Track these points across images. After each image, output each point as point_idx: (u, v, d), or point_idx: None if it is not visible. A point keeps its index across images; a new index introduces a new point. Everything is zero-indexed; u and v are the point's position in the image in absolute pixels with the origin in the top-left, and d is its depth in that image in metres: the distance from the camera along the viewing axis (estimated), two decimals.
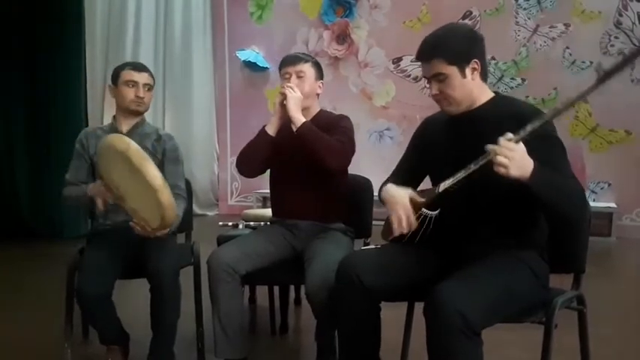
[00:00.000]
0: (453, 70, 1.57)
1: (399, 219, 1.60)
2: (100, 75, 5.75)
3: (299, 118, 2.01)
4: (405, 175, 1.80)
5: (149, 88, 2.21)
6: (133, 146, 1.80)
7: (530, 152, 1.42)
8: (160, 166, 2.16)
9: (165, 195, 1.77)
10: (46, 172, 4.55)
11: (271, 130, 2.09)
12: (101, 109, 5.74)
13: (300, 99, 2.04)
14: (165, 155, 2.22)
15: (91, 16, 5.39)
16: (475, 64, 1.59)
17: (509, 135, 1.41)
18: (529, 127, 1.42)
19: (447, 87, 1.58)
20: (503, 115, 1.56)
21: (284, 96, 2.04)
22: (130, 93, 2.17)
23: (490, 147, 1.40)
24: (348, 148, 2.04)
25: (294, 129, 2.00)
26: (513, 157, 1.38)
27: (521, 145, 1.40)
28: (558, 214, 1.54)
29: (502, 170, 1.39)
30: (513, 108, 1.61)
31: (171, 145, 2.25)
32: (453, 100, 1.61)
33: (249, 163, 2.14)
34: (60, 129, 4.47)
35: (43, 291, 3.16)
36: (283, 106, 2.05)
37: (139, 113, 2.24)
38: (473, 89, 1.60)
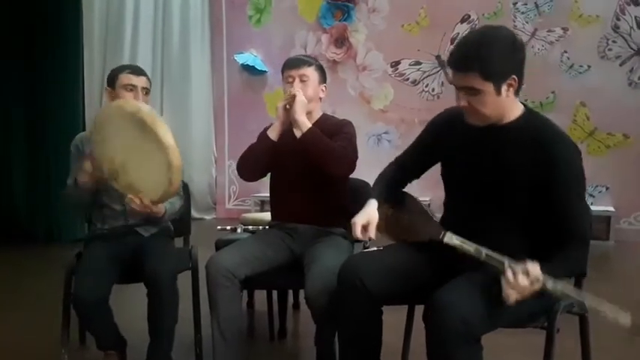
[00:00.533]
0: (488, 87, 1.45)
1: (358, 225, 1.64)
2: (97, 78, 5.74)
3: (305, 123, 1.99)
4: (414, 159, 1.80)
5: (147, 92, 2.19)
6: (144, 107, 1.79)
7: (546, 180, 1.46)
8: None
9: (176, 155, 1.77)
10: (43, 176, 4.53)
11: (273, 135, 2.07)
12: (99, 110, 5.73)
13: (306, 103, 2.03)
14: None
15: (88, 18, 5.38)
16: (513, 80, 1.47)
17: (535, 271, 1.36)
18: (558, 287, 1.38)
19: (478, 102, 1.48)
20: (528, 138, 1.52)
21: (290, 99, 2.02)
22: (128, 97, 2.14)
23: (507, 273, 1.37)
24: (351, 155, 2.03)
25: (299, 134, 1.99)
26: (523, 293, 1.36)
27: (526, 274, 1.36)
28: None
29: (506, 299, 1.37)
30: (539, 133, 1.54)
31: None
32: (481, 115, 1.51)
33: (250, 168, 2.12)
34: (58, 132, 4.45)
35: (40, 295, 3.14)
36: (286, 110, 2.04)
37: None
38: (505, 106, 1.51)
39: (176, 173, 1.78)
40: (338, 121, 2.18)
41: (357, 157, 2.06)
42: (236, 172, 2.20)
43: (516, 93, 1.54)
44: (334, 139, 2.03)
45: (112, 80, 2.18)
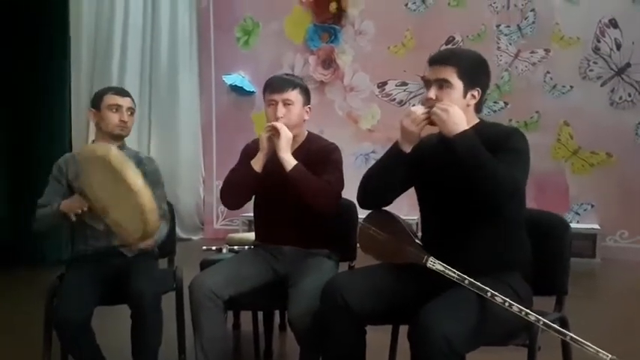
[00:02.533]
0: (458, 84, 1.62)
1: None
2: (84, 100, 5.71)
3: (289, 161, 1.95)
4: None
5: (132, 112, 2.21)
6: (113, 150, 1.81)
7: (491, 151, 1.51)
8: None
9: (147, 197, 1.77)
10: (27, 196, 4.47)
11: (257, 167, 2.02)
12: (86, 133, 5.70)
13: (290, 139, 1.98)
14: (147, 178, 2.19)
15: (76, 40, 5.39)
16: (477, 92, 1.66)
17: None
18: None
19: (445, 95, 1.62)
20: (484, 139, 1.58)
21: (273, 132, 1.99)
22: (114, 117, 2.16)
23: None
24: (338, 189, 2.03)
25: (286, 169, 1.96)
26: (452, 112, 1.53)
27: (457, 108, 1.56)
28: (478, 186, 1.52)
29: (436, 120, 1.54)
30: (491, 131, 1.65)
31: (152, 168, 2.25)
32: None
33: (233, 197, 2.09)
34: (43, 153, 4.41)
35: (22, 318, 3.09)
36: (270, 140, 2.00)
37: (122, 137, 2.23)
38: (465, 112, 1.61)
39: (149, 214, 1.78)
40: (324, 144, 2.14)
41: (342, 188, 2.05)
42: None
43: (477, 108, 1.68)
44: (321, 168, 2.01)
45: (96, 102, 2.19)
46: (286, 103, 2.03)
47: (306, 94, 2.11)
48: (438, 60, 1.66)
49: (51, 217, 2.09)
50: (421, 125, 1.64)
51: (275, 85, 2.07)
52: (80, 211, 2.01)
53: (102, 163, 1.80)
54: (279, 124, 1.98)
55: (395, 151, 1.70)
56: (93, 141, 2.29)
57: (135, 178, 1.77)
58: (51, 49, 4.58)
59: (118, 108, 2.16)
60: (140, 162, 2.22)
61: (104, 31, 5.86)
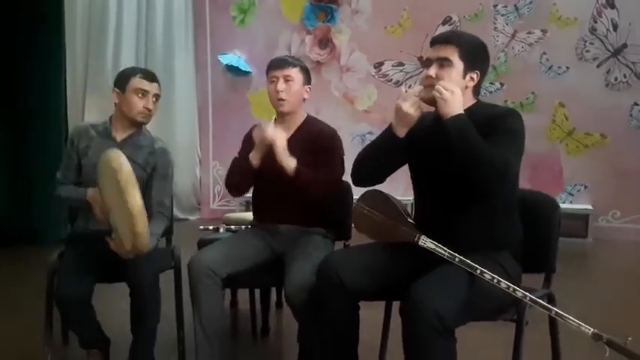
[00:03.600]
0: (459, 65, 1.65)
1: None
2: (80, 79, 5.71)
3: (289, 166, 2.00)
4: None
5: (157, 99, 2.13)
6: (125, 168, 1.78)
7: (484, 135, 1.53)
8: (149, 180, 2.14)
9: (141, 224, 1.78)
10: (25, 177, 4.50)
11: (255, 162, 2.07)
12: (81, 114, 5.69)
13: (285, 147, 2.00)
14: (156, 170, 2.16)
15: (71, 19, 5.34)
16: (476, 74, 1.68)
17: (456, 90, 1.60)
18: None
19: (445, 74, 1.64)
20: (481, 118, 1.61)
21: (261, 133, 2.03)
22: (139, 103, 2.08)
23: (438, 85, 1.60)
24: (339, 177, 2.09)
25: (288, 174, 2.01)
26: (456, 93, 1.56)
27: (460, 91, 1.59)
28: (469, 169, 1.54)
29: (438, 98, 1.56)
30: (488, 112, 1.67)
31: (164, 161, 2.18)
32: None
33: (235, 188, 2.19)
34: (39, 134, 4.42)
35: (23, 296, 3.13)
36: (265, 142, 2.03)
37: (142, 125, 2.17)
38: (462, 93, 1.63)
39: (140, 238, 1.80)
40: (322, 128, 2.17)
41: (344, 173, 2.10)
42: (221, 172, 2.25)
43: (475, 91, 1.70)
44: (323, 158, 2.05)
45: (122, 83, 2.10)
46: (287, 80, 2.10)
47: (306, 73, 2.18)
48: (440, 40, 1.69)
49: (75, 200, 2.11)
50: (417, 106, 1.65)
51: (276, 64, 2.14)
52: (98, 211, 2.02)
53: (112, 173, 1.81)
54: (269, 135, 2.00)
55: (389, 135, 1.72)
56: (110, 119, 2.18)
57: (135, 202, 1.77)
58: (45, 28, 4.55)
59: (144, 93, 2.07)
60: (153, 152, 2.18)
61: (98, 10, 5.81)
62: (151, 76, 2.14)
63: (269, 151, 2.04)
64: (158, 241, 2.11)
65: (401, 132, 1.70)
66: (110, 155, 1.85)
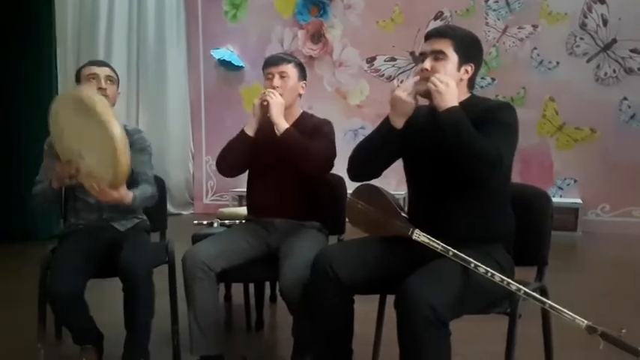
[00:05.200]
0: (454, 57, 1.66)
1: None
2: (71, 76, 5.65)
3: (282, 124, 2.03)
4: None
5: (111, 81, 2.17)
6: (84, 88, 1.82)
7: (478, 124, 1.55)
8: None
9: (123, 147, 1.77)
10: (16, 174, 4.47)
11: (250, 131, 2.11)
12: None
13: (283, 104, 2.06)
14: (133, 146, 2.14)
15: (61, 15, 5.30)
16: (470, 67, 1.70)
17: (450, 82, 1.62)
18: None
19: (441, 67, 1.65)
20: (477, 110, 1.63)
21: (265, 98, 2.06)
22: (92, 87, 2.12)
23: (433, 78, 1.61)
24: (329, 154, 2.08)
25: (278, 134, 2.03)
26: (451, 86, 1.57)
27: (455, 84, 1.60)
28: (461, 162, 1.55)
29: (433, 90, 1.57)
30: (481, 105, 1.69)
31: (138, 137, 2.23)
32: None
33: (229, 164, 2.16)
34: (31, 131, 4.39)
35: (16, 293, 3.12)
36: (263, 107, 2.08)
37: None
38: (457, 86, 1.64)
39: (120, 152, 1.77)
40: (317, 120, 2.21)
41: (334, 156, 2.10)
42: (214, 167, 2.23)
43: (469, 84, 1.72)
44: (313, 138, 2.07)
45: (77, 76, 2.19)
46: (282, 76, 2.14)
47: (301, 69, 2.21)
48: (435, 33, 1.70)
49: (46, 190, 2.09)
50: (414, 94, 1.66)
51: (272, 60, 2.18)
52: (69, 177, 1.96)
53: (72, 104, 1.79)
54: (269, 91, 2.07)
55: (386, 127, 1.72)
56: None
57: (105, 109, 1.77)
58: (36, 25, 4.51)
59: (94, 76, 2.13)
60: (127, 133, 2.21)
61: (89, 6, 5.77)
62: (98, 62, 2.24)
63: (265, 132, 2.05)
64: (146, 202, 2.14)
65: (399, 122, 1.70)
66: (72, 90, 1.84)
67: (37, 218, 4.43)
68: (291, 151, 2.02)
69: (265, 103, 2.06)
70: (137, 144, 2.21)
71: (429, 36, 1.71)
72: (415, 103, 1.68)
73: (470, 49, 1.70)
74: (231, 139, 2.18)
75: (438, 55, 1.66)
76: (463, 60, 1.67)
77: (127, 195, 1.98)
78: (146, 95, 5.96)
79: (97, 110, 1.77)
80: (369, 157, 1.78)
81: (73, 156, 1.91)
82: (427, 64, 1.67)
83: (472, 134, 1.54)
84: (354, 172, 1.82)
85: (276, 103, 2.05)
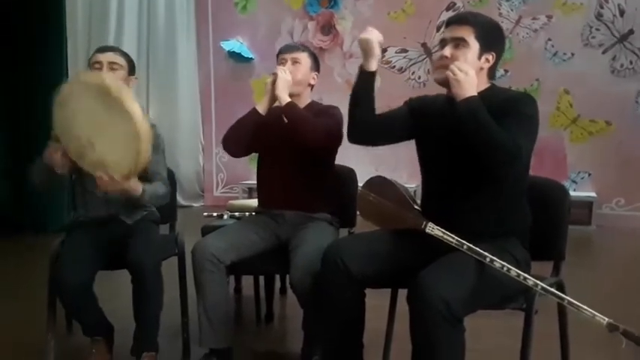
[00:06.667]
0: (475, 45, 1.62)
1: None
2: (82, 68, 5.67)
3: (284, 98, 2.04)
4: (392, 115, 1.84)
5: (115, 67, 2.12)
6: (108, 76, 1.79)
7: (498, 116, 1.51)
8: None
9: (144, 124, 1.75)
10: (27, 165, 4.48)
11: (261, 109, 2.11)
12: None
13: (290, 82, 2.07)
14: None
15: (72, 6, 5.29)
16: (491, 56, 1.65)
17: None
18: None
19: (461, 55, 1.62)
20: (497, 101, 1.59)
21: (276, 76, 2.07)
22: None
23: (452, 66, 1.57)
24: (333, 130, 2.05)
25: (281, 104, 2.04)
26: (471, 75, 1.54)
27: (474, 73, 1.56)
28: (478, 153, 1.53)
29: (451, 78, 1.53)
30: (501, 96, 1.64)
31: (153, 134, 2.19)
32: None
33: (235, 141, 2.15)
34: (42, 123, 4.38)
35: (26, 284, 3.14)
36: (274, 85, 2.08)
37: None
38: (477, 75, 1.60)
39: (144, 142, 1.75)
40: (325, 105, 2.22)
41: (340, 135, 2.06)
42: (224, 159, 2.22)
43: (490, 74, 1.68)
44: (319, 117, 2.07)
45: (88, 65, 2.17)
46: (295, 62, 2.15)
47: (315, 60, 2.22)
48: (456, 20, 1.67)
49: (38, 169, 2.07)
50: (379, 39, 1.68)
51: (286, 48, 2.21)
52: (60, 157, 1.95)
53: (93, 92, 1.76)
54: (280, 68, 2.09)
55: (362, 74, 1.73)
56: None
57: (132, 102, 1.74)
58: (47, 15, 4.51)
59: (99, 64, 2.10)
60: None
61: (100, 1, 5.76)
62: (102, 48, 2.20)
63: (275, 119, 2.06)
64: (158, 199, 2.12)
65: (372, 64, 1.71)
66: (81, 76, 1.83)
67: (46, 209, 4.45)
68: (293, 124, 2.02)
69: (276, 80, 2.06)
70: (152, 141, 2.16)
71: (450, 22, 1.68)
72: (376, 39, 1.70)
73: (491, 38, 1.66)
74: (241, 116, 2.16)
75: (459, 43, 1.62)
76: (484, 48, 1.63)
77: (137, 186, 1.96)
78: (156, 87, 5.95)
79: (125, 103, 1.74)
80: (357, 111, 1.75)
81: (78, 142, 1.88)
82: (447, 51, 1.63)
83: (491, 125, 1.50)
84: (349, 131, 1.79)
85: (284, 78, 2.06)
